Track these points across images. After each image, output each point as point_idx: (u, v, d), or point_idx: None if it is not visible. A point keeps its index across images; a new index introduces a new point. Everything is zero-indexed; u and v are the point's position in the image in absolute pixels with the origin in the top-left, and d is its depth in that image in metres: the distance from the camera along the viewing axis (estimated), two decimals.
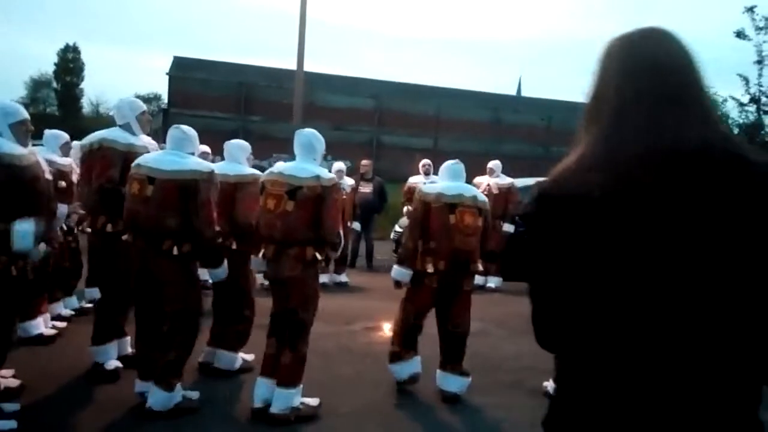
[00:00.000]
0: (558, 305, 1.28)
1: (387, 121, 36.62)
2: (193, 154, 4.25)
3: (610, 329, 1.20)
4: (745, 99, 9.60)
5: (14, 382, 4.12)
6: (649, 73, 1.28)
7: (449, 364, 4.68)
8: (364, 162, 10.77)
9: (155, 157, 4.19)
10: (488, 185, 9.00)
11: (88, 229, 4.70)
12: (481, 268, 5.09)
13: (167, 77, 35.75)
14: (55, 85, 49.40)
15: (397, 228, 10.33)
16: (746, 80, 9.44)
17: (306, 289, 4.13)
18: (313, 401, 4.23)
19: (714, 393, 1.16)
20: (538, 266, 1.32)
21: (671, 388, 1.17)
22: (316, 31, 52.89)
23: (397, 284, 4.81)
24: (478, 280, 8.56)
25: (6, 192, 3.40)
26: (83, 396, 4.29)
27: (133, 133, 4.72)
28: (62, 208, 4.70)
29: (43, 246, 3.68)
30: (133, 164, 4.16)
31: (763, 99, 9.53)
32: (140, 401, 4.11)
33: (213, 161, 5.56)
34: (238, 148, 5.12)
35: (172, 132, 4.22)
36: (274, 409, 4.02)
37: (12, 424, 3.62)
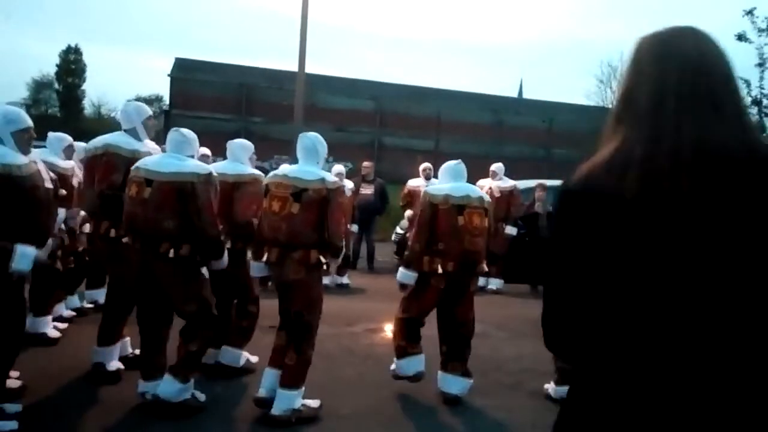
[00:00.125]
0: (574, 307, 1.25)
1: (388, 122, 36.66)
2: (192, 156, 4.26)
3: (632, 334, 1.18)
4: (747, 102, 9.60)
5: (15, 383, 4.12)
6: (684, 72, 1.25)
7: (451, 363, 4.68)
8: (365, 164, 10.78)
9: (154, 159, 4.20)
10: (490, 188, 8.99)
11: (86, 231, 4.72)
12: (485, 268, 5.11)
13: (169, 78, 35.86)
14: (56, 86, 49.47)
15: (398, 230, 10.33)
16: (747, 83, 9.44)
17: (310, 292, 4.14)
18: (314, 403, 4.24)
19: (735, 404, 1.14)
20: (557, 265, 1.29)
21: (691, 397, 1.14)
22: (318, 33, 52.91)
23: (402, 287, 4.81)
24: (480, 281, 8.58)
25: (4, 202, 3.39)
26: (84, 397, 4.30)
27: (138, 138, 4.70)
28: (60, 213, 4.70)
29: (41, 254, 3.68)
30: (132, 167, 4.18)
31: (765, 102, 9.54)
32: (142, 402, 4.12)
33: (214, 162, 5.56)
34: (240, 147, 5.13)
35: (172, 135, 4.24)
36: (275, 411, 4.03)
37: (13, 425, 3.63)
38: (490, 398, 4.79)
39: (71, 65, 48.98)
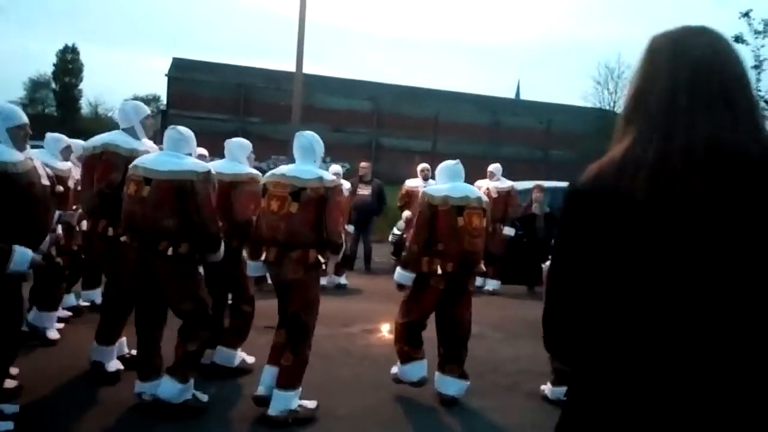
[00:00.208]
0: (577, 308, 1.23)
1: (386, 123, 36.68)
2: (190, 154, 4.26)
3: (638, 337, 1.17)
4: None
5: (11, 383, 4.11)
6: (696, 71, 1.23)
7: (448, 365, 4.68)
8: (362, 164, 10.78)
9: (152, 158, 4.20)
10: (488, 189, 8.99)
11: (83, 229, 4.71)
12: (483, 268, 5.12)
13: (166, 78, 35.80)
14: (53, 85, 49.41)
15: (395, 230, 10.34)
16: None
17: (308, 292, 4.14)
18: (311, 403, 4.24)
19: (741, 410, 1.12)
20: (561, 266, 1.28)
21: (695, 401, 1.13)
22: (315, 33, 52.90)
23: (400, 287, 4.81)
24: (477, 282, 8.59)
25: (3, 198, 3.37)
26: (81, 397, 4.29)
27: (137, 137, 4.70)
28: (55, 214, 4.70)
29: (36, 256, 3.67)
30: (130, 165, 4.17)
31: (761, 104, 9.58)
32: (139, 402, 4.12)
33: (211, 162, 5.56)
34: (238, 146, 5.13)
35: (169, 133, 4.23)
36: (271, 411, 4.02)
37: (8, 425, 3.62)
38: (487, 399, 4.79)
39: (68, 65, 48.92)
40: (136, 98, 5.47)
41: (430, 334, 4.83)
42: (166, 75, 35.76)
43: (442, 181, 4.82)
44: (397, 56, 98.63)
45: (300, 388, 4.14)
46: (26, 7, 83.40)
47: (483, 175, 9.42)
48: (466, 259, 4.59)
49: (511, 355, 6.06)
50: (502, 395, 4.96)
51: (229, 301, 5.10)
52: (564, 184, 10.48)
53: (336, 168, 9.23)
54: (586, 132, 33.52)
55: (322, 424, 4.15)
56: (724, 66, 1.24)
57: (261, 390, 4.14)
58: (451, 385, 4.67)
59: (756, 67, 9.40)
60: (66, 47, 49.15)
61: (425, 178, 9.33)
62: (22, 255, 3.42)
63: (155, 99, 48.15)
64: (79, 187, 5.21)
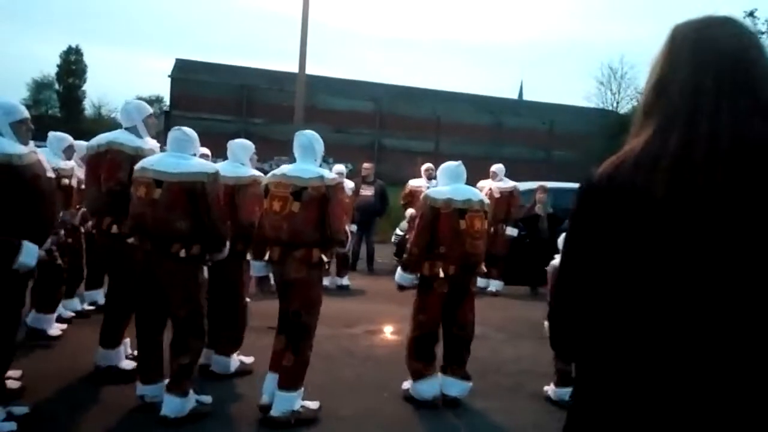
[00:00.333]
0: (586, 307, 1.20)
1: (388, 124, 36.67)
2: (194, 155, 4.27)
3: (650, 338, 1.13)
4: None
5: (14, 384, 4.12)
6: (721, 62, 1.19)
7: (451, 367, 4.68)
8: (365, 165, 10.79)
9: (159, 159, 4.19)
10: (490, 189, 8.98)
11: (93, 231, 4.71)
12: (484, 270, 5.11)
13: (169, 79, 35.87)
14: (57, 87, 49.47)
15: (398, 231, 10.34)
16: None
17: (310, 292, 4.14)
18: (314, 404, 4.24)
19: (747, 414, 1.10)
20: (571, 264, 1.24)
21: (703, 403, 1.11)
22: (318, 34, 53.07)
23: (401, 288, 4.82)
24: (480, 283, 8.58)
25: (5, 191, 3.39)
26: (83, 398, 4.29)
27: (139, 136, 4.70)
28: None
29: (42, 253, 3.68)
30: (137, 167, 4.16)
31: None
32: (141, 404, 4.11)
33: (214, 162, 5.56)
34: (240, 147, 5.14)
35: (174, 134, 4.23)
36: (274, 413, 4.02)
37: (12, 426, 3.63)
38: (490, 400, 4.78)
39: (72, 66, 48.97)
40: (139, 99, 5.47)
41: None
42: (169, 76, 35.82)
43: (444, 183, 4.81)
44: (400, 57, 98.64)
45: (302, 389, 4.13)
46: (30, 8, 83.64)
47: (485, 175, 9.41)
48: (468, 261, 4.59)
49: (514, 355, 6.05)
50: (504, 396, 4.95)
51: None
52: (567, 184, 10.47)
53: (339, 167, 9.24)
54: (589, 132, 33.52)
55: (324, 425, 4.15)
56: (748, 55, 1.21)
57: (265, 399, 4.12)
58: (453, 387, 4.66)
59: None
60: (69, 48, 49.20)
61: (429, 177, 9.33)
62: (31, 249, 3.44)
63: (158, 100, 48.23)
64: (83, 186, 5.23)
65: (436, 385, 4.60)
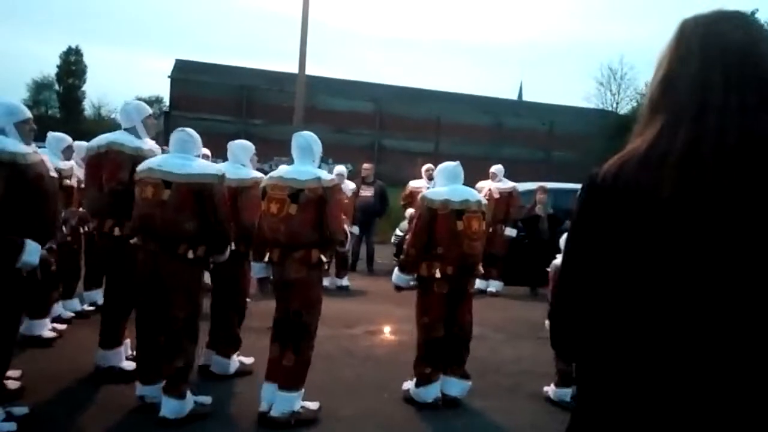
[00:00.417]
0: (588, 307, 1.18)
1: (388, 124, 36.67)
2: (197, 156, 4.28)
3: (654, 340, 1.11)
4: None
5: (14, 384, 4.12)
6: (730, 57, 1.17)
7: (451, 367, 4.68)
8: (365, 165, 10.80)
9: (165, 160, 4.17)
10: (489, 190, 8.99)
11: (94, 232, 4.70)
12: (482, 270, 5.12)
13: (169, 80, 35.85)
14: (57, 87, 49.48)
15: (398, 231, 10.34)
16: None
17: (310, 292, 4.15)
18: (314, 405, 4.24)
19: (754, 414, 1.07)
20: (573, 263, 1.21)
21: (709, 403, 1.08)
22: (318, 34, 53.06)
23: (398, 288, 4.85)
24: (479, 284, 8.58)
25: (9, 190, 3.40)
26: (83, 399, 4.29)
27: (139, 137, 4.71)
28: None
29: (44, 252, 3.69)
30: (142, 168, 4.14)
31: None
32: (141, 405, 4.11)
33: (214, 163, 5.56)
34: (241, 148, 5.14)
35: (178, 135, 4.23)
36: (274, 413, 4.02)
37: (11, 426, 3.63)
38: (489, 400, 4.79)
39: (72, 66, 48.98)
40: (139, 100, 5.49)
41: None
42: (168, 76, 35.81)
43: (442, 184, 4.80)
44: (399, 57, 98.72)
45: (302, 389, 4.13)
46: (30, 8, 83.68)
47: (485, 176, 9.42)
48: (466, 262, 4.59)
49: (513, 356, 6.06)
50: (504, 396, 4.95)
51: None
52: (567, 185, 10.48)
53: (340, 168, 9.25)
54: (588, 133, 33.52)
55: (324, 425, 4.15)
56: (757, 49, 1.18)
57: (264, 406, 4.11)
58: (453, 386, 4.67)
59: None
60: (69, 49, 49.23)
61: (430, 178, 9.33)
62: (34, 248, 3.46)
63: (158, 100, 48.25)
64: (83, 186, 5.22)
65: (436, 388, 4.59)
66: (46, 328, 5.41)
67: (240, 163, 5.02)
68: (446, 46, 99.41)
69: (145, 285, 4.12)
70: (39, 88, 49.98)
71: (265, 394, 4.12)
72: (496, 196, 8.96)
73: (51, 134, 5.99)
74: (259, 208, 4.49)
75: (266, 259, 4.20)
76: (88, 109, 51.72)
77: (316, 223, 4.04)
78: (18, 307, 3.73)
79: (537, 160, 35.52)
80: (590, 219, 1.19)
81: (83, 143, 5.89)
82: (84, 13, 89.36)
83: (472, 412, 4.60)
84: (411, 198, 9.35)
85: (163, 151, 4.70)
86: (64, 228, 4.83)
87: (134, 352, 4.73)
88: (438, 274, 4.50)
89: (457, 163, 4.91)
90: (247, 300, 5.20)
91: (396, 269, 4.84)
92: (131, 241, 4.17)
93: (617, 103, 41.01)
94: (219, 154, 6.48)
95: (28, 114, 3.78)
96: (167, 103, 38.39)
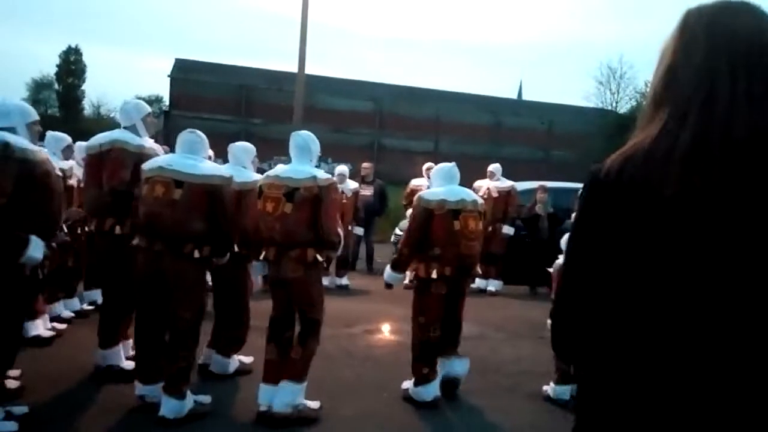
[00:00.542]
0: (591, 308, 1.14)
1: (387, 124, 36.67)
2: (205, 158, 4.31)
3: (658, 342, 1.08)
4: None
5: (13, 384, 4.11)
6: (737, 48, 1.13)
7: (447, 348, 4.72)
8: (364, 165, 10.81)
9: (175, 160, 4.15)
10: (488, 188, 9.00)
11: (93, 231, 4.69)
12: (480, 271, 5.13)
13: (168, 79, 35.85)
14: (56, 86, 49.47)
15: (397, 231, 10.33)
16: None
17: (310, 289, 4.16)
18: (314, 404, 4.24)
19: (759, 416, 1.05)
20: (576, 262, 1.18)
21: (714, 404, 1.06)
22: (317, 34, 53.04)
23: (388, 286, 4.91)
24: (479, 283, 8.59)
25: (18, 186, 3.43)
26: (83, 398, 4.29)
27: (139, 135, 4.69)
28: None
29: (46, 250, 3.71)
30: (150, 166, 4.12)
31: None
32: (140, 404, 4.11)
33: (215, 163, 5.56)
34: (243, 150, 5.13)
35: (187, 136, 4.24)
36: (277, 406, 4.02)
37: (12, 425, 3.63)
38: (488, 399, 4.79)
39: (71, 66, 48.97)
40: (138, 99, 5.51)
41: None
42: (168, 76, 35.80)
43: (438, 184, 4.81)
44: (399, 56, 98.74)
45: (306, 382, 4.13)
46: (29, 8, 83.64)
47: (484, 175, 9.42)
48: (464, 262, 4.59)
49: (513, 355, 6.05)
50: (503, 395, 4.95)
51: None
52: (567, 184, 10.47)
53: (342, 168, 9.25)
54: (588, 132, 33.52)
55: (324, 424, 4.15)
56: (764, 38, 1.14)
57: (263, 407, 4.11)
58: (456, 366, 4.73)
59: None
60: (69, 48, 49.20)
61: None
62: (39, 243, 3.50)
63: (158, 100, 48.23)
64: (82, 185, 5.20)
65: (435, 387, 4.59)
66: (43, 328, 5.39)
67: (241, 165, 5.01)
68: (446, 45, 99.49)
69: (145, 285, 4.11)
70: (39, 87, 49.98)
71: (263, 395, 4.12)
72: (495, 195, 8.96)
73: (50, 134, 5.98)
74: None
75: (262, 257, 4.22)
76: (87, 108, 51.78)
77: (311, 223, 4.04)
78: (22, 304, 3.75)
79: (536, 160, 35.53)
80: (594, 216, 1.15)
81: (83, 143, 5.87)
82: (84, 13, 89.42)
83: (471, 412, 4.60)
84: (412, 197, 9.34)
85: (165, 151, 4.69)
86: (63, 227, 4.83)
87: (134, 352, 4.74)
88: (435, 275, 4.50)
89: (453, 164, 4.92)
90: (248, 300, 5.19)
91: (388, 267, 4.87)
92: (134, 242, 4.14)
93: (617, 102, 40.99)
94: (219, 154, 6.48)
95: (37, 115, 3.90)
96: (167, 103, 38.39)
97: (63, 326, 5.72)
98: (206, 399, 4.21)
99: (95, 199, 4.64)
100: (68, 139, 6.07)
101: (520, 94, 54.46)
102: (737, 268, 1.05)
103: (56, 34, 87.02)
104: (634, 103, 37.38)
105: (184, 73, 35.15)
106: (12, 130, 3.62)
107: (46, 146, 5.71)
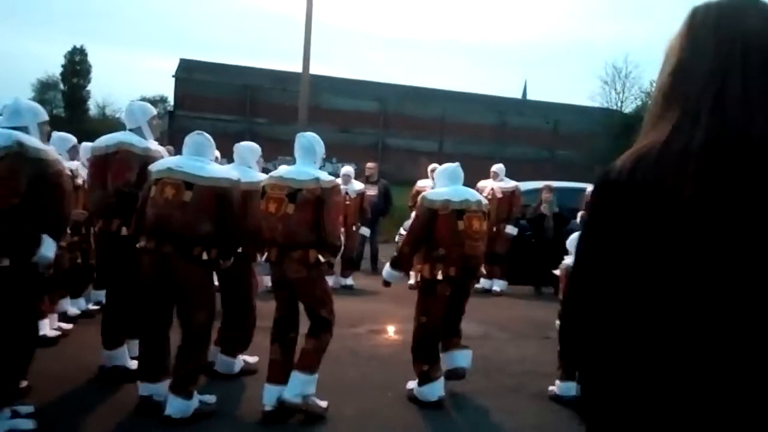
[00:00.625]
0: (605, 314, 1.10)
1: (392, 124, 36.70)
2: (212, 160, 4.33)
3: (673, 351, 1.04)
4: None
5: (21, 383, 4.12)
6: (748, 45, 1.10)
7: (451, 339, 4.74)
8: (369, 165, 10.81)
9: (183, 161, 4.14)
10: (492, 189, 8.99)
11: (95, 229, 4.70)
12: (484, 271, 5.12)
13: (173, 79, 35.97)
14: (62, 87, 49.64)
15: (401, 231, 10.33)
16: None
17: (315, 289, 4.17)
18: (323, 403, 4.23)
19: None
20: (586, 267, 1.14)
21: (731, 413, 1.02)
22: (322, 34, 53.08)
23: (387, 284, 4.95)
24: (484, 283, 8.57)
25: (33, 186, 3.46)
26: (88, 398, 4.31)
27: (144, 138, 4.69)
28: None
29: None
30: (159, 168, 4.11)
31: None
32: (145, 403, 4.11)
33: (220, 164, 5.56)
34: (248, 150, 5.14)
35: (195, 138, 4.24)
36: (287, 395, 4.02)
37: (29, 423, 3.67)
38: (493, 400, 4.78)
39: (76, 66, 49.14)
40: (143, 99, 5.54)
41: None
42: (173, 76, 35.92)
43: (442, 184, 4.80)
44: (403, 56, 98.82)
45: (317, 375, 4.14)
46: (34, 9, 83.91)
47: (489, 175, 9.41)
48: (468, 263, 4.59)
49: (517, 355, 6.04)
50: (507, 396, 4.94)
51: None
52: (571, 184, 10.45)
53: (347, 169, 9.25)
54: (593, 132, 33.48)
55: (328, 424, 4.15)
56: None
57: (268, 408, 4.11)
58: (459, 358, 4.74)
59: None
60: (74, 49, 49.38)
61: None
62: (51, 242, 3.53)
63: (162, 100, 48.39)
64: (86, 185, 5.20)
65: (440, 387, 4.59)
66: (49, 328, 5.41)
67: (247, 165, 5.01)
68: (450, 45, 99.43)
69: (152, 286, 4.09)
70: (44, 87, 50.15)
71: (268, 395, 4.12)
72: (499, 195, 8.95)
73: (55, 134, 5.97)
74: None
75: (264, 258, 4.25)
76: (92, 108, 51.96)
77: (313, 224, 4.04)
78: (35, 304, 3.78)
79: (541, 159, 35.50)
80: (605, 217, 1.12)
81: (89, 144, 5.88)
82: (88, 14, 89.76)
83: (475, 412, 4.60)
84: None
85: (169, 152, 4.69)
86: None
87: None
88: (441, 276, 4.50)
89: (457, 164, 4.91)
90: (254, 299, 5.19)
91: (387, 265, 4.87)
92: (141, 243, 4.12)
93: (622, 102, 40.89)
94: (223, 153, 6.49)
95: (47, 116, 3.95)
96: (171, 103, 38.52)
97: (69, 326, 5.73)
98: (211, 399, 4.22)
99: (100, 200, 4.63)
100: (74, 139, 6.08)
101: (524, 93, 54.33)
102: (759, 270, 1.01)
103: (59, 34, 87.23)
104: (640, 103, 37.27)
105: (189, 73, 35.24)
106: (24, 129, 3.64)
107: (51, 146, 5.72)
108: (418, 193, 9.42)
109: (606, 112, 38.48)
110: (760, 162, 1.02)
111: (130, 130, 4.72)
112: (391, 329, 6.90)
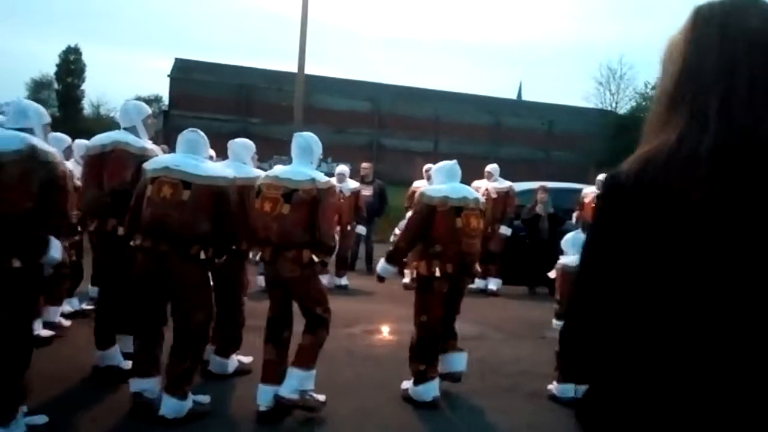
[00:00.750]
0: (612, 323, 1.08)
1: (387, 124, 36.70)
2: (206, 158, 4.32)
3: (682, 361, 1.03)
4: None
5: None
6: (754, 46, 1.09)
7: (448, 341, 4.74)
8: (364, 165, 10.81)
9: (180, 160, 4.12)
10: (486, 189, 9.00)
11: (90, 228, 4.68)
12: (479, 270, 5.14)
13: (168, 79, 35.87)
14: (56, 86, 49.45)
15: (397, 231, 10.33)
16: None
17: (309, 287, 4.18)
18: (320, 397, 4.22)
19: None
20: (595, 272, 1.12)
21: (739, 420, 1.01)
22: (317, 34, 53.04)
23: (381, 279, 4.97)
24: (479, 283, 8.59)
25: (43, 188, 3.46)
26: (81, 398, 4.30)
27: (139, 137, 4.67)
28: None
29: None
30: (155, 166, 4.09)
31: None
32: (139, 403, 4.10)
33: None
34: (242, 147, 5.14)
35: (189, 135, 4.23)
36: (283, 391, 4.01)
37: (43, 419, 3.71)
38: (488, 400, 4.79)
39: (71, 65, 48.94)
40: (138, 99, 5.53)
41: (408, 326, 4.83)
42: (168, 75, 35.82)
43: (440, 182, 4.81)
44: (398, 57, 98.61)
45: (314, 371, 4.14)
46: (29, 8, 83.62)
47: (483, 175, 9.41)
48: (464, 260, 4.60)
49: (512, 356, 6.05)
50: (502, 396, 4.95)
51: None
52: (566, 184, 10.48)
53: (342, 168, 9.25)
54: (587, 133, 33.60)
55: (324, 423, 4.15)
56: None
57: (262, 408, 4.11)
58: (456, 361, 4.75)
59: None
60: (68, 48, 49.17)
61: (430, 178, 9.30)
62: (57, 244, 3.54)
63: (157, 99, 48.19)
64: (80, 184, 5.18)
65: (435, 387, 4.59)
66: (42, 327, 5.39)
67: (241, 161, 5.01)
68: (445, 45, 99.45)
69: (147, 285, 4.08)
70: (38, 87, 49.93)
71: (262, 395, 4.11)
72: (494, 195, 8.96)
73: (52, 135, 5.96)
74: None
75: (258, 257, 4.24)
76: (87, 108, 51.77)
77: (307, 224, 4.04)
78: (34, 305, 3.78)
79: (536, 160, 35.55)
80: (613, 220, 1.10)
81: (83, 141, 5.85)
82: (83, 13, 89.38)
83: (471, 412, 4.61)
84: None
85: (164, 151, 4.68)
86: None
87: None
88: (438, 273, 4.50)
89: (454, 161, 4.93)
90: (244, 299, 5.19)
91: (382, 260, 4.87)
92: (137, 243, 4.09)
93: (616, 103, 41.13)
94: (218, 153, 6.48)
95: (49, 117, 3.97)
96: (167, 102, 38.41)
97: (68, 323, 5.71)
98: (205, 399, 4.21)
99: (95, 200, 4.60)
100: (68, 140, 6.06)
101: (519, 94, 54.46)
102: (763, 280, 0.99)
103: (56, 33, 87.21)
104: (634, 104, 37.45)
105: (184, 72, 35.16)
106: (30, 131, 3.63)
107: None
108: (414, 193, 9.45)
109: (601, 112, 38.65)
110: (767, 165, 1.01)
111: (125, 129, 4.70)
112: (386, 329, 6.90)
